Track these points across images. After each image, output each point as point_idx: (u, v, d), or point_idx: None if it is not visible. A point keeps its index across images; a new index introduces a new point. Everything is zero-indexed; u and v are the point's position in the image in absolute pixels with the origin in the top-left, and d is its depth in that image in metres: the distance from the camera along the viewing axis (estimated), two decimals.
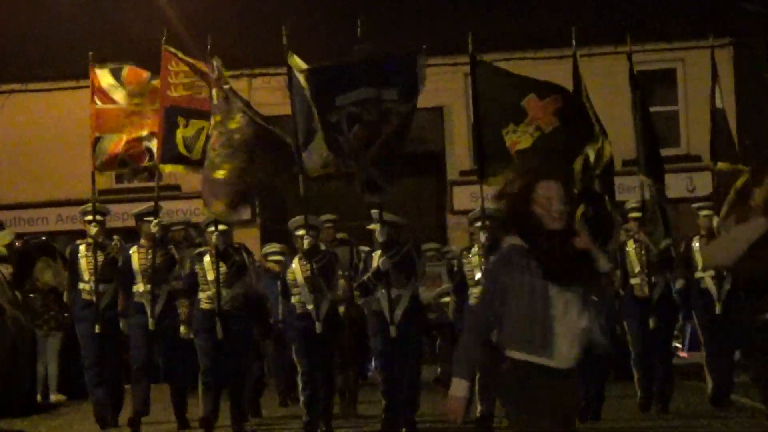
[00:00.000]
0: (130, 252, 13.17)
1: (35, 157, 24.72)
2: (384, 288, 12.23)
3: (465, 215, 13.56)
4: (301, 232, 12.58)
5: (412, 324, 12.35)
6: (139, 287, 13.04)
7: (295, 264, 12.62)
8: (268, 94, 22.28)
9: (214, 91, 12.81)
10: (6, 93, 25.15)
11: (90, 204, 13.62)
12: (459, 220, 21.67)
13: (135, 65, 13.88)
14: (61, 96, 24.32)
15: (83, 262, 13.49)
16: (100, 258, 13.41)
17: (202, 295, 12.81)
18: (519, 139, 12.44)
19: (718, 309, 13.66)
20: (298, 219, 12.69)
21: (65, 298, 14.35)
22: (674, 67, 24.98)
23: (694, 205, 14.33)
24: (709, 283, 13.73)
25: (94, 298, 13.37)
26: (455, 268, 13.13)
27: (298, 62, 12.49)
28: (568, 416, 5.84)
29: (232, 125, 12.64)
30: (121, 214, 18.42)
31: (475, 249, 12.76)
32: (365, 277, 12.39)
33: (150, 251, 13.02)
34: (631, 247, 13.61)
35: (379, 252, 12.41)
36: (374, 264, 12.36)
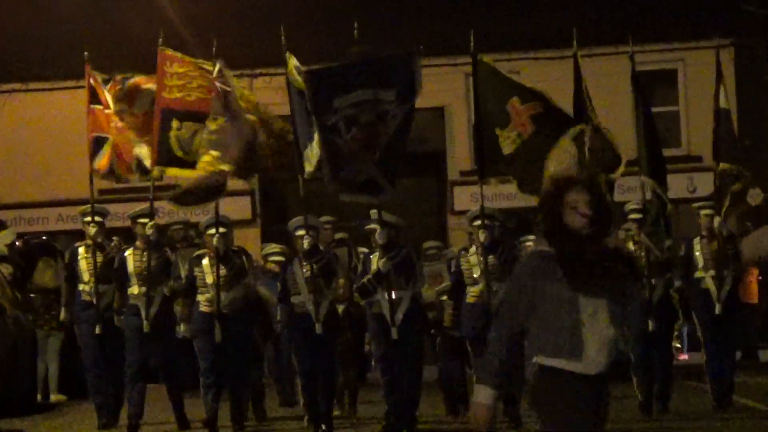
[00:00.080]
0: (125, 254, 13.17)
1: (35, 157, 24.67)
2: (384, 290, 12.23)
3: (466, 215, 13.53)
4: (300, 232, 12.57)
5: (413, 326, 12.35)
6: (134, 290, 13.03)
7: (296, 265, 12.62)
8: (270, 94, 22.18)
9: (215, 93, 12.80)
10: (6, 93, 25.10)
11: (89, 205, 13.62)
12: (460, 220, 21.58)
13: (140, 76, 13.77)
14: (61, 96, 24.25)
15: (83, 264, 13.49)
16: (100, 259, 13.41)
17: (201, 298, 12.81)
18: (503, 144, 12.47)
19: (718, 309, 13.64)
20: (298, 219, 12.69)
21: (62, 302, 14.32)
22: (675, 68, 24.95)
23: (695, 205, 14.30)
24: (709, 284, 13.72)
25: (93, 300, 13.38)
26: (453, 269, 13.12)
27: (294, 63, 12.48)
28: (597, 423, 5.85)
29: (213, 126, 12.63)
30: (121, 215, 18.37)
31: (473, 248, 12.76)
32: (365, 280, 12.38)
33: (145, 253, 13.02)
34: (630, 248, 13.58)
35: (377, 254, 12.40)
36: (373, 266, 12.36)
